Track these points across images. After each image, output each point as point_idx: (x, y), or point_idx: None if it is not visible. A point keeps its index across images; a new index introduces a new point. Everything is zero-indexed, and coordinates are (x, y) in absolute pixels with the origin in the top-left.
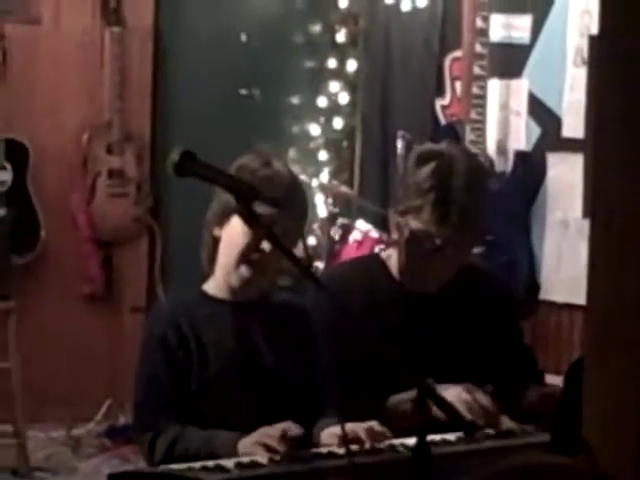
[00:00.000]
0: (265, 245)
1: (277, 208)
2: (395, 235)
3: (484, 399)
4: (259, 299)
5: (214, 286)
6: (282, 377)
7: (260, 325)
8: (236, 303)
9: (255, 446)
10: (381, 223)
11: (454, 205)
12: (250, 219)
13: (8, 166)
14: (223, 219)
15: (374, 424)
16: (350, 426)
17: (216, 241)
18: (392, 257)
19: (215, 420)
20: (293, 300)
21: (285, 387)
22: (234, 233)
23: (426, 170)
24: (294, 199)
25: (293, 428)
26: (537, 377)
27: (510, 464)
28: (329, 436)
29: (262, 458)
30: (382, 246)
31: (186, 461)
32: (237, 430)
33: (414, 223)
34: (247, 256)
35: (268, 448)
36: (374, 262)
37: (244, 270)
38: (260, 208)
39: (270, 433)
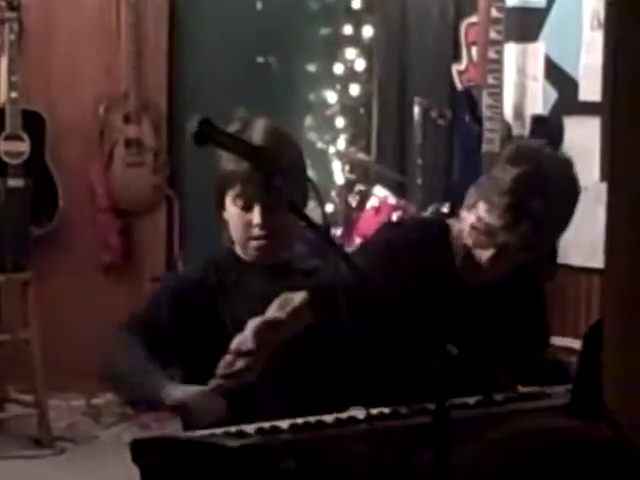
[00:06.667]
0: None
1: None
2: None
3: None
4: (286, 262)
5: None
6: (308, 340)
7: (286, 288)
8: (262, 266)
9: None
10: (398, 189)
11: (524, 216)
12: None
13: (26, 137)
14: (221, 202)
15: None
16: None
17: (225, 221)
18: (455, 227)
19: None
20: (320, 265)
21: (312, 350)
22: (232, 215)
23: (509, 174)
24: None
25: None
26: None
27: (521, 428)
28: None
29: None
30: (399, 212)
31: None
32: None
33: (472, 217)
34: (250, 234)
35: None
36: (438, 228)
37: (253, 245)
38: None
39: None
